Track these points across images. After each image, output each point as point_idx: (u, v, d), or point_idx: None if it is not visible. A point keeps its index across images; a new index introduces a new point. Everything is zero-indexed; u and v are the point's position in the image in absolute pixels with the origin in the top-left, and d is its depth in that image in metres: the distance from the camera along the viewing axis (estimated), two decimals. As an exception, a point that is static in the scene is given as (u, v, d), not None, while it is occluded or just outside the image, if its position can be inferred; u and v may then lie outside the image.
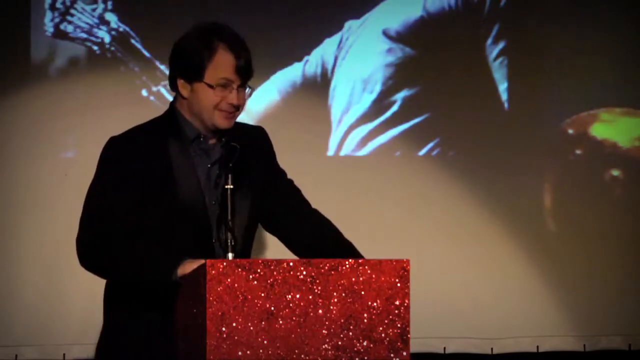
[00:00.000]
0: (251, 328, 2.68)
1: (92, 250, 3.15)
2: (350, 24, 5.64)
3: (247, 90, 3.18)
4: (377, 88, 5.64)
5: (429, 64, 5.66)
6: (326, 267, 2.74)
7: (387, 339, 2.76)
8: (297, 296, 2.71)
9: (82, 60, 5.48)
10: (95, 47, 5.47)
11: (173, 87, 3.22)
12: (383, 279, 2.77)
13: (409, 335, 2.78)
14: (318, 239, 3.30)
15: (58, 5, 5.44)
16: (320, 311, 2.72)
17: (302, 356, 2.71)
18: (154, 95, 5.44)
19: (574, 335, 5.66)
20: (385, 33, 5.65)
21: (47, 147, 5.42)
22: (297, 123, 5.54)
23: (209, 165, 3.21)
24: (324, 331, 2.72)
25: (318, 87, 5.62)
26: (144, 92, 5.46)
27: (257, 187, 3.27)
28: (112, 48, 5.47)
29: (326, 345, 2.72)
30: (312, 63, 5.61)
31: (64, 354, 5.36)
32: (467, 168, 5.67)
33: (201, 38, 3.14)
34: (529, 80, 5.71)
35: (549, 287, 5.67)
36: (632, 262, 5.71)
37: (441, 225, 5.62)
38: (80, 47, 5.47)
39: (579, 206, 5.73)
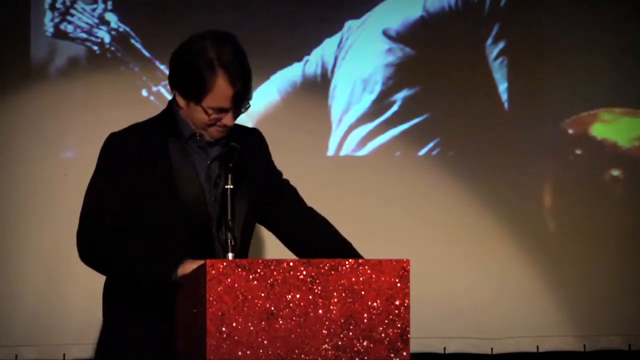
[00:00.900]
0: (251, 328, 2.68)
1: (92, 246, 3.16)
2: (350, 24, 5.64)
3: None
4: (377, 88, 5.64)
5: (429, 64, 5.66)
6: (326, 267, 2.74)
7: (387, 339, 2.76)
8: (297, 296, 2.71)
9: (82, 60, 5.48)
10: (95, 47, 5.47)
11: (172, 89, 3.24)
12: (383, 279, 2.77)
13: (409, 335, 2.78)
14: (316, 237, 3.32)
15: (58, 5, 5.44)
16: (320, 311, 2.72)
17: (302, 356, 2.71)
18: (154, 95, 5.44)
19: (574, 335, 5.66)
20: (385, 33, 5.65)
21: (47, 147, 5.42)
22: (297, 123, 5.54)
23: (208, 162, 3.21)
24: (324, 331, 2.72)
25: (318, 87, 5.62)
26: (144, 92, 5.46)
27: (255, 187, 3.28)
28: (112, 48, 5.47)
29: (326, 345, 2.72)
30: (312, 63, 5.61)
31: (64, 354, 5.36)
32: (467, 168, 5.67)
33: (202, 57, 3.10)
34: (529, 80, 5.71)
35: (549, 287, 5.67)
36: (632, 262, 5.71)
37: (441, 225, 5.61)
38: (80, 47, 5.47)
39: (579, 206, 5.73)
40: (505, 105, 5.72)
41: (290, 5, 5.57)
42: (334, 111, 5.63)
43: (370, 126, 5.64)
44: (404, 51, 5.66)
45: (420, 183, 5.64)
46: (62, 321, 5.35)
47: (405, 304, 2.78)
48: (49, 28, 5.44)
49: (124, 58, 5.48)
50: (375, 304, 2.76)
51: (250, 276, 2.69)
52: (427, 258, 5.43)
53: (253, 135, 3.39)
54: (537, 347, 5.63)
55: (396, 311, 2.77)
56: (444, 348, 5.60)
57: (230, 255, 2.94)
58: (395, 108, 5.65)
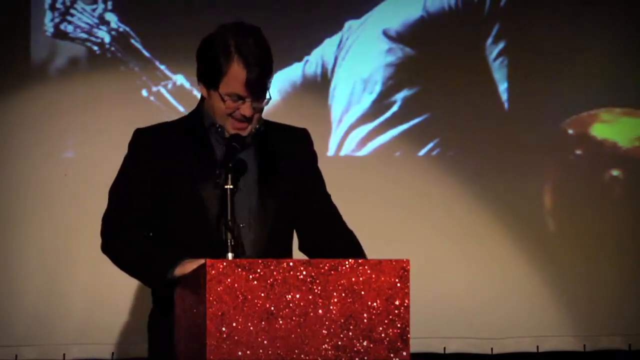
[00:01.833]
0: (251, 328, 2.68)
1: (109, 234, 3.20)
2: (350, 24, 5.64)
3: (267, 97, 3.20)
4: (377, 88, 5.64)
5: (429, 64, 5.66)
6: (326, 267, 2.74)
7: (387, 339, 2.76)
8: (297, 296, 2.71)
9: (82, 60, 5.48)
10: (95, 47, 5.47)
11: (198, 82, 3.25)
12: (383, 279, 2.77)
13: (409, 335, 2.78)
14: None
15: (58, 5, 5.44)
16: (320, 311, 2.72)
17: (302, 356, 2.71)
18: (154, 95, 5.44)
19: (574, 335, 5.66)
20: (385, 33, 5.65)
21: (47, 147, 5.42)
22: (297, 123, 5.48)
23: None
24: (324, 331, 2.72)
25: (318, 87, 5.62)
26: (144, 92, 5.46)
27: (291, 185, 3.27)
28: (112, 48, 5.47)
29: (326, 345, 2.72)
30: (312, 63, 5.61)
31: (64, 354, 5.36)
32: (467, 168, 5.67)
33: (222, 45, 3.15)
34: (529, 80, 5.71)
35: (549, 287, 5.67)
36: (632, 262, 5.71)
37: (441, 225, 5.61)
38: (80, 47, 5.47)
39: (579, 206, 5.73)
40: (505, 105, 5.72)
41: (291, 6, 5.57)
42: (334, 111, 5.63)
43: (370, 126, 5.64)
44: (404, 51, 5.66)
45: (420, 183, 5.64)
46: (62, 321, 5.35)
47: (405, 304, 2.77)
48: (49, 28, 5.44)
49: (124, 58, 5.48)
50: (375, 304, 2.76)
51: (250, 276, 2.69)
52: (427, 258, 5.43)
53: (298, 137, 3.42)
54: (537, 347, 5.63)
55: (396, 311, 2.77)
56: (444, 348, 5.60)
57: (230, 255, 2.94)
58: (395, 108, 5.65)
